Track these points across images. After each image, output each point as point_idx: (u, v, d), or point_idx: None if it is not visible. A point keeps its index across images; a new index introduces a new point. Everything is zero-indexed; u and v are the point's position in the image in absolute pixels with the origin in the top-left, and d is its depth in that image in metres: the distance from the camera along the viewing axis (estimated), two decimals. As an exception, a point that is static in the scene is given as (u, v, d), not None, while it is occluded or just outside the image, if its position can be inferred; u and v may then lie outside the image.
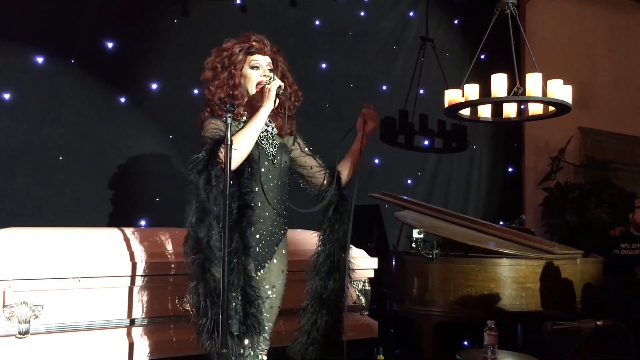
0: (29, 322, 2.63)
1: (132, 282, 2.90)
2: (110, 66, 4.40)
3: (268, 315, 2.50)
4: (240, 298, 2.29)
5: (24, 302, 2.63)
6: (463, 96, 4.22)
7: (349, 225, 2.61)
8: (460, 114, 4.43)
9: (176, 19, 4.76)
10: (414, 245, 4.10)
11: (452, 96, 4.26)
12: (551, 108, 4.28)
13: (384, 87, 6.11)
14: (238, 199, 2.34)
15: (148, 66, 4.59)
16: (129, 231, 3.10)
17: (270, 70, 2.54)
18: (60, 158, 4.16)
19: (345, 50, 5.75)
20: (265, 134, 2.55)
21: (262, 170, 2.48)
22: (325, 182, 2.65)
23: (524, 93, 4.04)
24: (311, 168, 2.67)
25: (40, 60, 4.14)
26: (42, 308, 2.67)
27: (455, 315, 3.99)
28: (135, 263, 2.90)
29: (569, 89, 4.16)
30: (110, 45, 4.41)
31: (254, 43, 2.53)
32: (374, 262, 3.74)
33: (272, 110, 2.47)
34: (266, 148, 2.53)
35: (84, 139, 4.24)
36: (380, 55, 6.09)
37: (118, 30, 4.44)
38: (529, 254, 4.05)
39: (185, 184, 4.14)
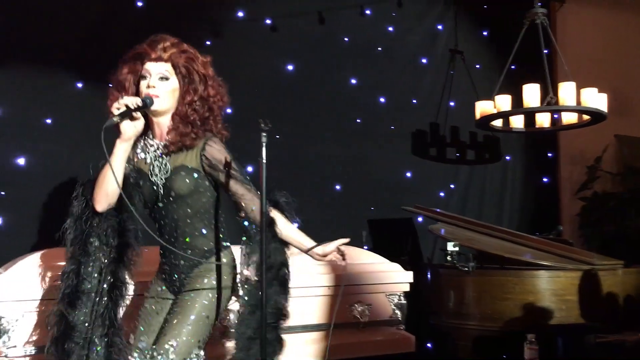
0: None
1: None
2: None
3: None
4: (103, 346, 2.08)
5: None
6: (495, 107, 4.21)
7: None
8: (493, 125, 4.42)
9: (208, 40, 4.87)
10: (448, 258, 4.08)
11: (483, 107, 4.26)
12: (586, 117, 4.23)
13: (414, 101, 6.12)
14: (118, 236, 2.13)
15: (182, 87, 4.69)
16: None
17: (163, 78, 2.09)
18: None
19: (374, 65, 5.79)
20: (152, 156, 2.15)
21: (152, 202, 2.16)
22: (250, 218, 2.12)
23: (557, 102, 4.01)
24: (232, 194, 2.11)
25: (80, 85, 4.28)
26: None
27: (493, 328, 3.94)
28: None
29: (604, 97, 4.12)
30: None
31: (144, 48, 2.14)
32: (409, 276, 3.73)
33: (171, 121, 2.11)
34: (153, 179, 2.14)
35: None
36: (410, 69, 6.11)
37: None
38: (567, 266, 3.99)
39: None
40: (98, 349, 2.06)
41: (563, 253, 4.15)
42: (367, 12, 5.75)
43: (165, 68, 2.10)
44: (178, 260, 2.17)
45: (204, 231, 2.17)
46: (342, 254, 2.16)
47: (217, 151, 2.11)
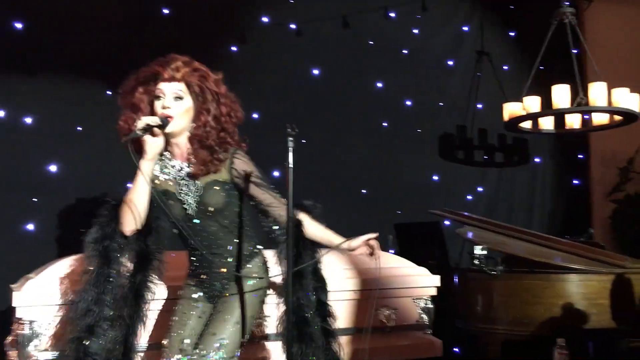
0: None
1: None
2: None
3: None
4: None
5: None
6: (523, 109, 4.16)
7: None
8: (521, 127, 4.37)
9: (234, 46, 4.92)
10: (476, 261, 4.03)
11: (511, 109, 4.21)
12: (618, 117, 4.15)
13: (441, 103, 6.08)
14: (141, 261, 2.21)
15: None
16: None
17: (177, 98, 2.12)
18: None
19: (400, 68, 5.78)
20: (177, 177, 2.20)
21: (185, 224, 2.18)
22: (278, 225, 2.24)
23: (587, 103, 3.95)
24: (259, 202, 2.22)
25: (109, 93, 4.37)
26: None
27: (522, 332, 3.88)
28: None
29: (635, 97, 4.04)
30: (172, 75, 4.59)
31: (156, 68, 2.16)
32: (436, 280, 3.70)
33: (189, 143, 2.16)
34: (184, 198, 2.18)
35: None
36: (436, 71, 6.08)
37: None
38: (599, 269, 3.91)
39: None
40: None
41: (594, 256, 4.07)
42: (392, 14, 5.73)
43: (179, 88, 2.13)
44: (218, 269, 2.23)
45: (239, 239, 2.23)
46: (371, 249, 2.24)
47: (244, 163, 2.19)
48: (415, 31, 5.98)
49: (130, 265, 2.21)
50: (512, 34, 6.67)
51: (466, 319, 4.20)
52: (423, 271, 3.71)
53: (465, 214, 4.94)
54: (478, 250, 3.98)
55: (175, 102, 2.11)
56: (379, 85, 5.68)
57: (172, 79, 2.12)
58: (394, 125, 5.63)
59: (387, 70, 5.71)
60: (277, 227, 2.24)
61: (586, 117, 4.65)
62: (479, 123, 5.88)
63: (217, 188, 2.16)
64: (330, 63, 5.34)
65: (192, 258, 2.28)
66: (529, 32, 6.10)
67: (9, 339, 2.87)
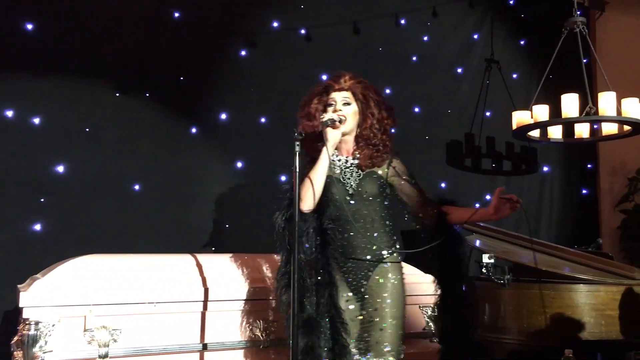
0: (108, 345, 2.74)
1: (205, 307, 2.96)
2: (182, 98, 4.60)
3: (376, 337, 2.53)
4: (329, 327, 2.47)
5: (103, 327, 2.74)
6: (532, 117, 4.13)
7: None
8: (530, 136, 4.33)
9: (243, 50, 4.92)
10: (484, 270, 4.00)
11: (520, 117, 4.18)
12: (627, 127, 4.12)
13: (449, 111, 6.06)
14: (320, 234, 2.50)
15: (217, 97, 4.76)
16: (202, 257, 3.18)
17: (345, 104, 2.60)
18: (137, 187, 4.35)
19: (409, 75, 5.77)
20: (342, 166, 2.63)
21: (345, 203, 2.56)
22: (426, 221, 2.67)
23: (597, 113, 3.92)
24: (408, 197, 2.64)
25: (117, 94, 4.37)
26: (120, 332, 2.77)
27: (529, 343, 3.85)
28: (208, 288, 2.97)
29: (645, 107, 4.00)
30: (181, 78, 4.60)
31: (328, 82, 2.67)
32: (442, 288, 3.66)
33: (356, 141, 2.62)
34: (346, 182, 2.61)
35: (157, 168, 4.43)
36: (445, 79, 6.07)
37: (188, 64, 4.64)
38: (607, 280, 3.88)
39: (254, 211, 4.21)
40: (327, 332, 2.46)
41: (603, 267, 4.04)
42: (402, 21, 5.73)
43: (347, 95, 2.63)
44: (364, 255, 2.56)
45: (385, 230, 2.61)
46: (512, 201, 2.51)
47: (401, 164, 2.69)
48: (425, 38, 5.97)
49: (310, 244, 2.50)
50: (522, 42, 6.65)
51: (473, 328, 4.16)
52: (429, 279, 3.68)
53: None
54: (486, 258, 3.95)
55: (344, 107, 2.60)
56: (388, 91, 5.65)
57: (341, 89, 2.63)
58: (402, 131, 5.58)
59: (396, 77, 5.69)
60: (420, 215, 2.65)
61: (595, 126, 4.62)
62: (487, 131, 5.85)
63: (375, 177, 2.61)
64: (340, 69, 5.29)
65: (339, 248, 2.54)
66: (539, 40, 6.09)
67: (15, 339, 2.86)
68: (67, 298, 2.72)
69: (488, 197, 6.20)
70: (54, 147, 4.12)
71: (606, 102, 3.89)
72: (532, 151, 5.95)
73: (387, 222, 2.63)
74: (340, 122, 2.53)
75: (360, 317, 2.56)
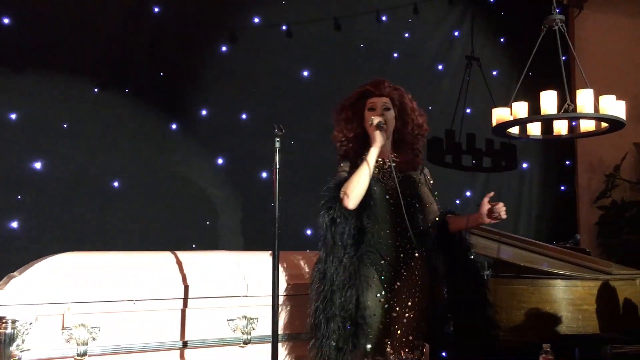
0: (86, 344, 2.71)
1: (185, 305, 2.95)
2: (162, 94, 4.55)
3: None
4: (349, 324, 2.57)
5: (82, 325, 2.71)
6: (511, 114, 4.17)
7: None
8: (509, 132, 4.38)
9: (224, 46, 4.89)
10: (464, 266, 4.02)
11: (500, 114, 4.21)
12: (604, 124, 4.17)
13: (430, 107, 6.08)
14: (358, 232, 2.62)
15: (198, 93, 4.72)
16: (182, 254, 3.16)
17: (386, 109, 2.75)
18: (116, 184, 4.30)
19: (390, 72, 5.77)
20: (381, 167, 2.77)
21: (384, 203, 2.71)
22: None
23: (575, 110, 3.96)
24: (425, 204, 2.83)
25: (96, 90, 4.32)
26: (99, 330, 2.75)
27: (507, 338, 3.89)
28: (188, 285, 2.96)
29: (622, 104, 4.06)
30: (161, 74, 4.56)
31: (367, 87, 2.79)
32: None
33: (393, 145, 2.80)
34: (385, 182, 2.75)
35: (138, 165, 4.39)
36: (426, 76, 6.09)
37: (168, 59, 4.60)
38: (585, 275, 3.93)
39: (235, 208, 4.18)
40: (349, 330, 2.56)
41: (580, 262, 4.09)
42: (383, 18, 5.74)
43: (386, 101, 2.78)
44: (398, 254, 2.69)
45: (418, 229, 2.76)
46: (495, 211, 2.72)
47: (430, 174, 2.90)
48: (407, 35, 5.98)
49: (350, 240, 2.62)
50: (502, 39, 6.70)
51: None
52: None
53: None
54: (465, 254, 3.97)
55: (385, 111, 2.76)
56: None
57: (381, 95, 2.77)
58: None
59: (377, 73, 5.66)
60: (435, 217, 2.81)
61: (574, 123, 4.68)
62: (468, 128, 5.90)
63: (411, 180, 2.80)
64: (321, 65, 5.33)
65: (371, 241, 2.66)
66: (519, 38, 6.13)
67: (-9, 338, 2.82)
68: (44, 296, 2.68)
69: (469, 193, 6.26)
70: (32, 143, 4.06)
71: (584, 99, 3.94)
72: (511, 148, 6.01)
73: (420, 223, 2.79)
74: (385, 125, 2.69)
75: (395, 315, 2.62)
